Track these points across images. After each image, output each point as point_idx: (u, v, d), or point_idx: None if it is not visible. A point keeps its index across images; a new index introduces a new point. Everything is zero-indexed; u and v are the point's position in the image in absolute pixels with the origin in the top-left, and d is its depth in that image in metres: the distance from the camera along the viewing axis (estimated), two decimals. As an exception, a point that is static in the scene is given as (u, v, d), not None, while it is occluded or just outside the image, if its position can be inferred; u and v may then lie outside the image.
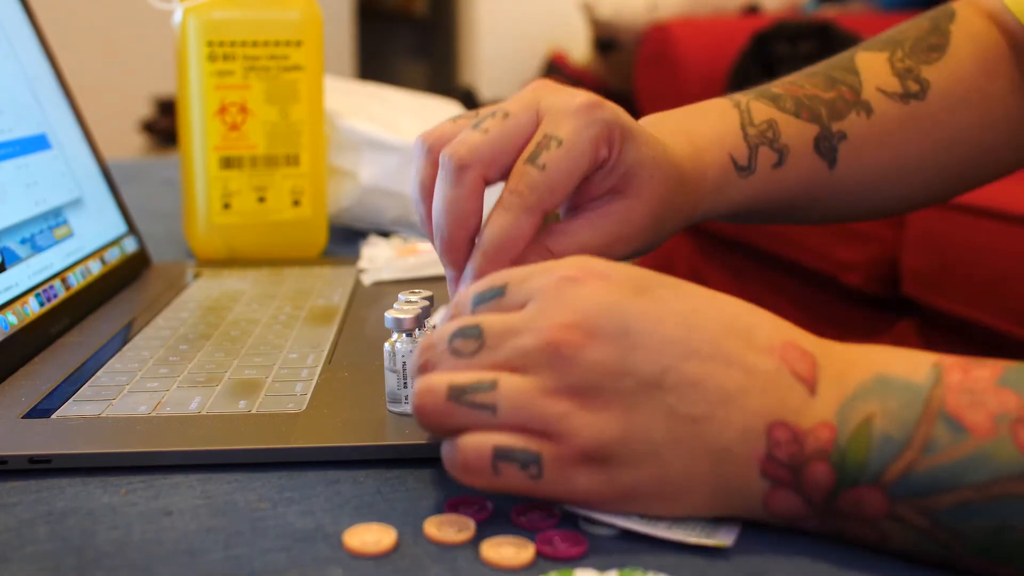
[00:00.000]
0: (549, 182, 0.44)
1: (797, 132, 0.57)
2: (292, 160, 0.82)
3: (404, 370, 0.47)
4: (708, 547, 0.37)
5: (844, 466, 0.36)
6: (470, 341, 0.38)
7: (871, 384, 0.37)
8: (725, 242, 2.24)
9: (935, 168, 0.61)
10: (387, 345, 0.47)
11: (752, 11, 2.81)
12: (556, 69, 3.38)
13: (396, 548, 0.37)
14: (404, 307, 0.48)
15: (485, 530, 0.39)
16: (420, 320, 0.47)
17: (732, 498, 0.38)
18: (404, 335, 0.47)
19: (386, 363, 0.47)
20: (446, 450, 0.38)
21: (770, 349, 0.38)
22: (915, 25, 0.62)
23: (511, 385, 0.37)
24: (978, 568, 0.35)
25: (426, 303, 0.48)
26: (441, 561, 0.37)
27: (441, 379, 0.38)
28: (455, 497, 0.41)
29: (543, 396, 0.37)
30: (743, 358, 0.37)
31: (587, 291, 0.38)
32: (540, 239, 0.47)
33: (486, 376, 0.37)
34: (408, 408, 0.47)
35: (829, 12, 2.69)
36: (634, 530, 0.38)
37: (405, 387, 0.47)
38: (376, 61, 4.41)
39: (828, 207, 0.60)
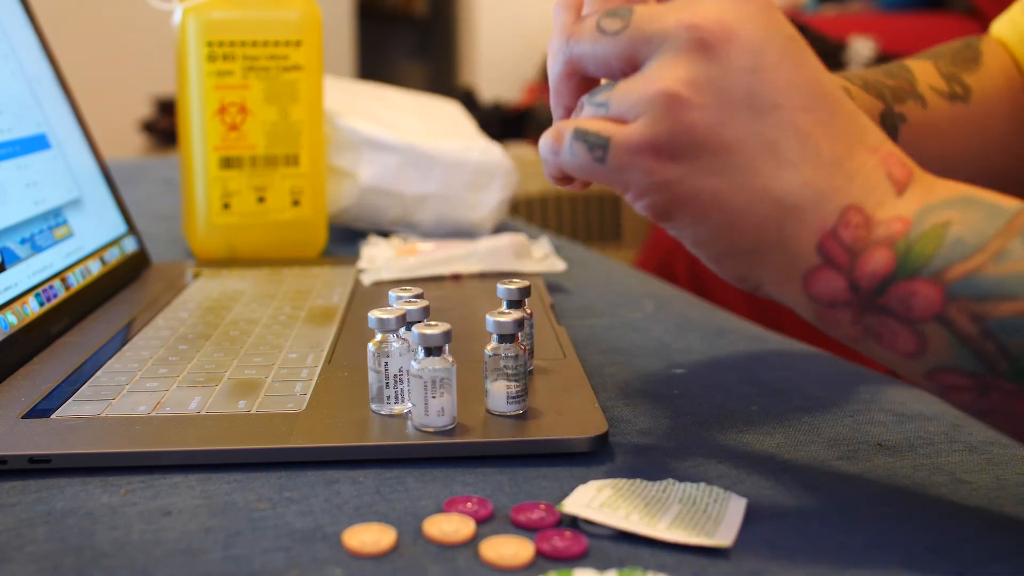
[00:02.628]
0: None
1: (866, 104, 0.58)
2: (292, 160, 0.82)
3: (387, 370, 0.47)
4: (708, 547, 0.37)
5: (908, 256, 0.35)
6: (616, 20, 0.39)
7: (959, 198, 0.36)
8: (725, 242, 2.23)
9: (975, 173, 0.63)
10: (371, 345, 0.47)
11: (752, 11, 2.80)
12: (556, 69, 3.37)
13: (395, 548, 0.37)
14: (390, 307, 0.48)
15: (485, 530, 0.39)
16: (403, 320, 0.47)
17: (777, 257, 0.37)
18: (389, 335, 0.47)
19: (369, 363, 0.47)
20: (542, 140, 0.40)
21: (875, 149, 0.38)
22: (948, 44, 0.65)
23: (626, 84, 0.38)
24: (1010, 400, 0.35)
25: (417, 303, 0.49)
26: (441, 561, 0.37)
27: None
28: (455, 497, 0.41)
29: (657, 81, 0.37)
30: (850, 141, 0.37)
31: (747, 7, 0.38)
32: None
33: (610, 84, 0.39)
34: (391, 409, 0.47)
35: (829, 12, 2.69)
36: (633, 532, 0.38)
37: (388, 387, 0.47)
38: (376, 61, 4.41)
39: None
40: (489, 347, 0.46)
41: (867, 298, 0.36)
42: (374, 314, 0.47)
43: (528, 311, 0.52)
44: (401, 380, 0.47)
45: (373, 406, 0.48)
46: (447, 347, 0.45)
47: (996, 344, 0.34)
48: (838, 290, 0.36)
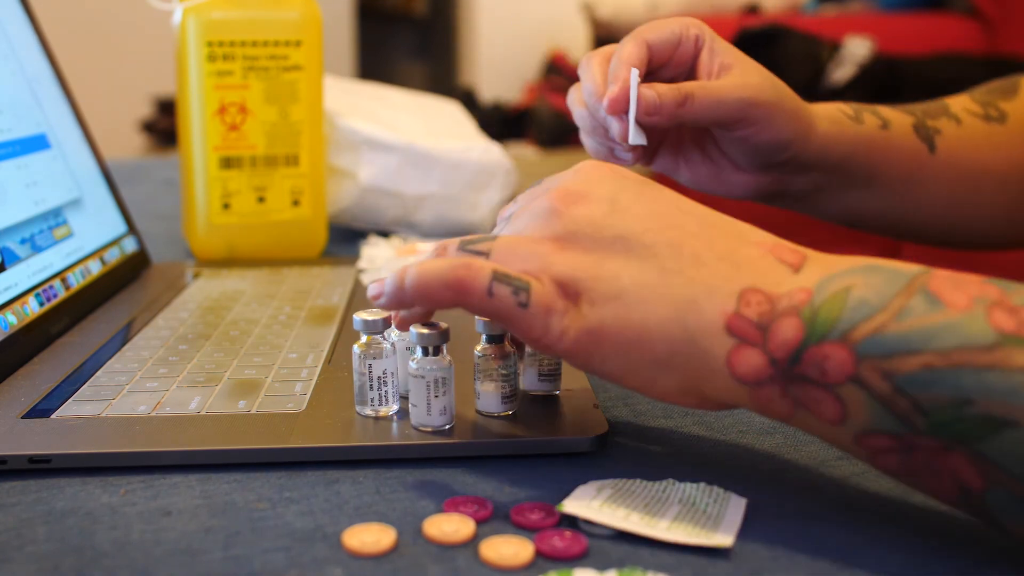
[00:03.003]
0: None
1: (896, 116, 0.62)
2: (292, 160, 0.82)
3: (371, 372, 0.47)
4: (708, 547, 0.37)
5: (815, 322, 0.36)
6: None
7: (859, 267, 0.37)
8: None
9: (1018, 193, 0.64)
10: (356, 347, 0.47)
11: (752, 11, 2.81)
12: (556, 69, 3.38)
13: (395, 548, 0.37)
14: (375, 309, 0.47)
15: (485, 530, 0.39)
16: (388, 322, 0.47)
17: (694, 354, 0.38)
18: (373, 337, 0.47)
19: (354, 365, 0.47)
20: (440, 267, 0.40)
21: (760, 243, 0.40)
22: (989, 83, 0.68)
23: (506, 236, 0.42)
24: (932, 458, 0.35)
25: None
26: (440, 561, 0.37)
27: (453, 240, 0.43)
28: (455, 497, 0.41)
29: (530, 241, 0.41)
30: (728, 242, 0.40)
31: (598, 170, 0.43)
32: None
33: (489, 235, 0.43)
34: (376, 411, 0.47)
35: (829, 12, 2.70)
36: (633, 532, 0.38)
37: (372, 389, 0.47)
38: (376, 61, 4.41)
39: (928, 195, 0.63)
40: (478, 348, 0.46)
41: (786, 369, 0.37)
42: (359, 316, 0.46)
43: None
44: (385, 382, 0.47)
45: (357, 408, 0.48)
46: (445, 347, 0.45)
47: (909, 400, 0.34)
48: (759, 367, 0.37)
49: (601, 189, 0.41)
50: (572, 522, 0.39)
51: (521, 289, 0.39)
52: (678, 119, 0.55)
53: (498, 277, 0.40)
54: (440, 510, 0.40)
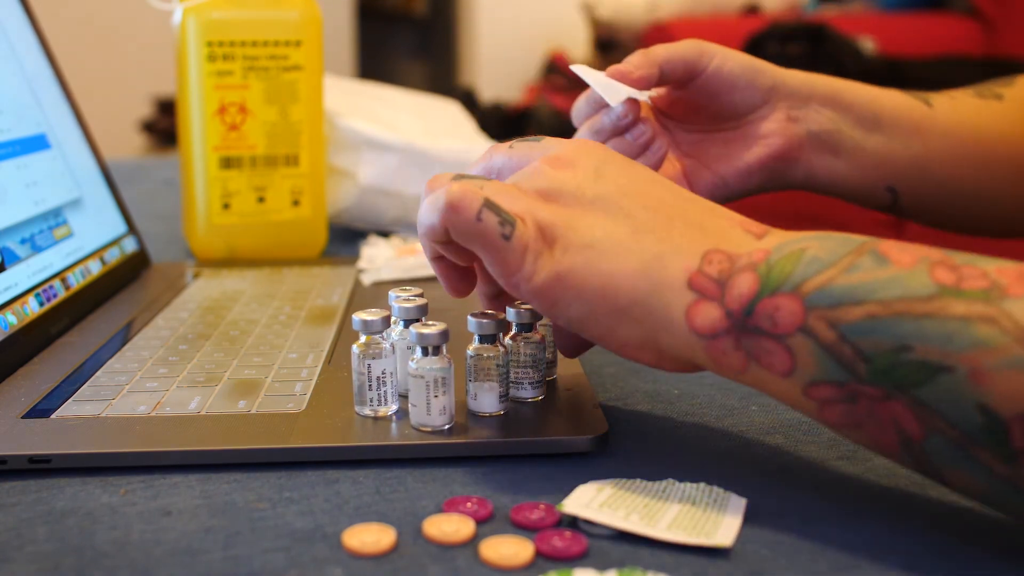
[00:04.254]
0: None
1: (881, 89, 0.64)
2: (292, 160, 0.82)
3: (370, 372, 0.46)
4: (708, 547, 0.37)
5: (769, 276, 0.38)
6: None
7: (815, 234, 0.40)
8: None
9: (1018, 164, 0.64)
10: (355, 347, 0.47)
11: (752, 11, 2.81)
12: (556, 69, 3.38)
13: (395, 548, 0.37)
14: (373, 309, 0.47)
15: (484, 530, 0.39)
16: (387, 322, 0.47)
17: (656, 306, 0.40)
18: (372, 337, 0.46)
19: (353, 365, 0.47)
20: (433, 194, 0.43)
21: (729, 217, 0.43)
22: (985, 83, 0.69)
23: (496, 181, 0.44)
24: (874, 407, 0.36)
25: (419, 301, 0.49)
26: (440, 561, 0.37)
27: (448, 174, 0.45)
28: (455, 497, 0.41)
29: (517, 190, 0.43)
30: (700, 214, 0.42)
31: (584, 144, 0.45)
32: None
33: (484, 177, 0.45)
34: (375, 411, 0.47)
35: (829, 12, 2.69)
36: (633, 532, 0.38)
37: (371, 389, 0.47)
38: (376, 61, 4.42)
39: (935, 151, 0.63)
40: (471, 348, 0.47)
41: (740, 321, 0.39)
42: (358, 316, 0.46)
43: None
44: (384, 382, 0.47)
45: (356, 408, 0.47)
46: (445, 347, 0.45)
47: (852, 348, 0.36)
48: (716, 319, 0.39)
49: (588, 160, 0.44)
50: (572, 522, 0.39)
51: (507, 222, 0.41)
52: (659, 65, 0.59)
53: (489, 205, 0.41)
54: (440, 510, 0.40)
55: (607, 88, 0.58)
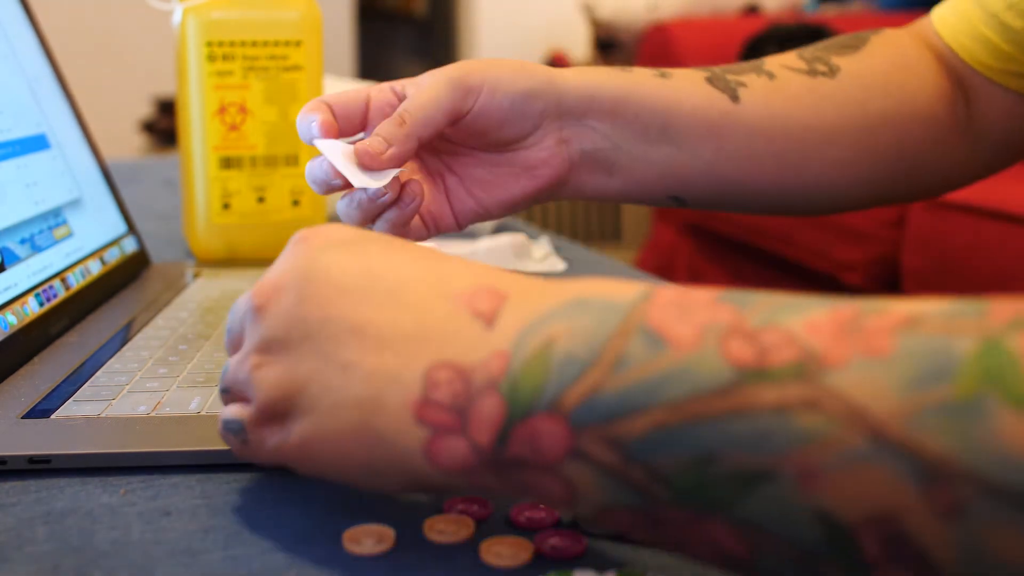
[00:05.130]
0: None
1: (684, 71, 0.58)
2: (291, 160, 0.82)
3: None
4: (707, 547, 0.37)
5: (516, 394, 0.31)
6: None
7: (563, 307, 0.32)
8: (725, 242, 2.24)
9: (860, 151, 0.60)
10: None
11: (752, 11, 2.81)
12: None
13: (395, 548, 0.37)
14: None
15: (484, 530, 0.39)
16: None
17: (393, 456, 0.34)
18: None
19: None
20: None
21: (457, 295, 0.34)
22: (835, 37, 0.64)
23: (232, 360, 0.39)
24: (687, 529, 0.29)
25: None
26: (440, 561, 0.37)
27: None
28: (455, 497, 0.41)
29: (244, 360, 0.38)
30: (420, 303, 0.35)
31: (295, 250, 0.39)
32: None
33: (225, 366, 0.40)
34: None
35: (829, 12, 2.69)
36: (633, 530, 0.38)
37: None
38: (376, 61, 4.41)
39: (744, 149, 0.58)
40: None
41: (493, 456, 0.32)
42: None
43: None
44: None
45: None
46: None
47: (644, 469, 0.29)
48: (464, 455, 0.32)
49: (291, 276, 0.37)
50: (572, 522, 0.39)
51: (238, 431, 0.38)
52: (417, 136, 0.51)
53: (223, 425, 0.39)
54: (440, 510, 0.40)
55: (354, 171, 0.50)
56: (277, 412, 0.37)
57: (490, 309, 0.33)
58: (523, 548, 0.37)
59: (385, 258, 0.37)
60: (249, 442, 0.38)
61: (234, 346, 0.40)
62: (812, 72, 0.59)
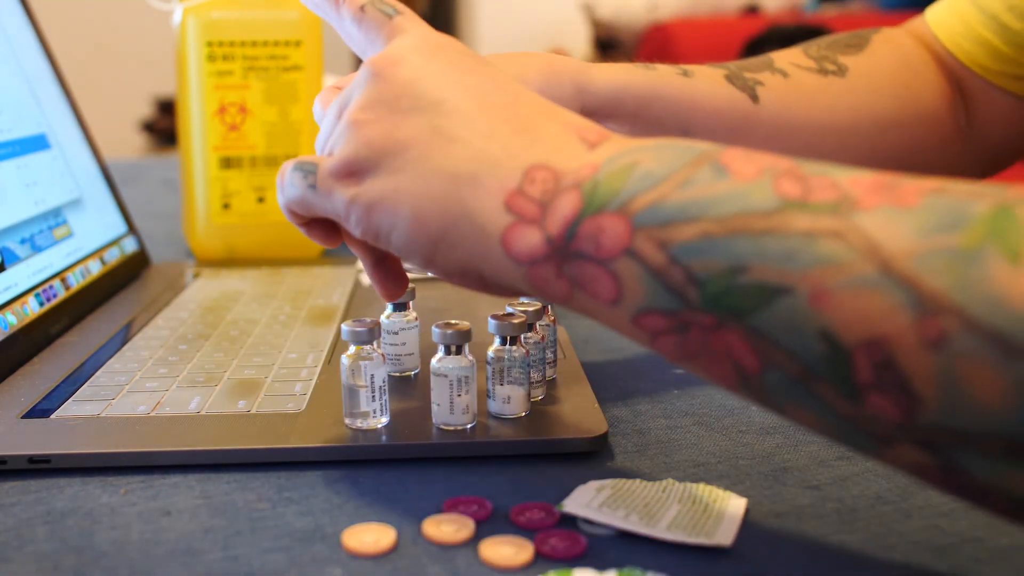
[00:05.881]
0: None
1: (703, 68, 0.58)
2: (292, 160, 0.82)
3: (372, 383, 0.45)
4: (708, 547, 0.37)
5: (594, 194, 0.34)
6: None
7: (654, 144, 0.36)
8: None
9: (871, 152, 0.60)
10: (344, 358, 0.46)
11: (752, 11, 2.81)
12: (556, 69, 3.37)
13: (395, 548, 0.37)
14: (362, 319, 0.46)
15: (484, 530, 0.39)
16: (376, 333, 0.45)
17: (470, 230, 0.37)
18: (362, 348, 0.45)
19: (342, 377, 0.46)
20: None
21: (569, 123, 0.38)
22: (836, 35, 0.64)
23: (328, 122, 0.42)
24: (707, 337, 0.33)
25: (407, 313, 0.49)
26: (440, 561, 0.37)
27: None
28: (455, 497, 0.41)
29: (346, 115, 0.40)
30: (536, 117, 0.38)
31: (416, 30, 0.41)
32: None
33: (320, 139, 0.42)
34: (364, 424, 0.46)
35: (829, 12, 2.70)
36: (633, 532, 0.38)
37: (373, 402, 0.45)
38: (376, 61, 4.41)
39: (761, 149, 0.58)
40: (491, 349, 0.46)
41: (562, 246, 0.35)
42: (347, 327, 0.45)
43: (552, 318, 0.52)
44: (375, 397, 0.46)
45: (346, 420, 0.46)
46: (467, 346, 0.45)
47: (683, 270, 0.32)
48: (534, 244, 0.35)
49: (415, 51, 0.40)
50: (572, 522, 0.39)
51: (309, 172, 0.40)
52: None
53: (295, 166, 0.41)
54: (440, 510, 0.40)
55: None
56: (360, 168, 0.39)
57: (595, 139, 0.37)
58: (523, 548, 0.37)
59: (501, 75, 0.40)
60: (316, 187, 0.40)
61: (339, 113, 0.41)
62: (822, 71, 0.60)
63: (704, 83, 0.57)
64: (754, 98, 0.58)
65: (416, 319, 0.53)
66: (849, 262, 0.29)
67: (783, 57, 0.61)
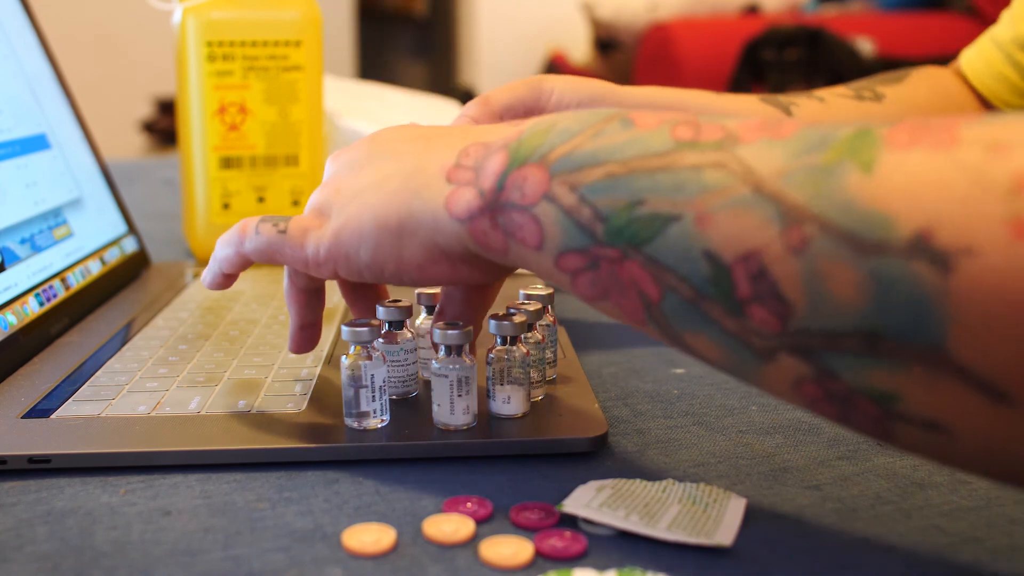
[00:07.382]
0: None
1: (737, 96, 0.63)
2: (291, 160, 0.82)
3: (373, 383, 0.45)
4: (708, 547, 0.37)
5: (519, 150, 0.39)
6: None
7: (574, 113, 0.40)
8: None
9: None
10: (344, 358, 0.46)
11: (751, 11, 2.81)
12: (556, 69, 3.38)
13: (395, 548, 0.37)
14: (361, 320, 0.46)
15: (484, 530, 0.39)
16: (377, 333, 0.45)
17: (421, 211, 0.41)
18: (362, 348, 0.45)
19: (342, 377, 0.46)
20: (224, 234, 0.48)
21: (505, 124, 0.43)
22: (879, 74, 0.69)
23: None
24: (615, 270, 0.36)
25: (403, 311, 0.49)
26: (440, 561, 0.37)
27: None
28: (455, 497, 0.41)
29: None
30: (472, 128, 0.43)
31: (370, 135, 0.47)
32: None
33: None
34: (364, 424, 0.46)
35: (828, 13, 2.70)
36: (633, 531, 0.38)
37: (373, 402, 0.45)
38: (376, 61, 4.42)
39: None
40: (492, 350, 0.46)
41: (492, 198, 0.39)
42: (348, 327, 0.45)
43: (552, 318, 0.52)
44: (375, 397, 0.46)
45: (347, 420, 0.46)
46: (467, 347, 0.45)
47: (591, 208, 0.36)
48: (470, 200, 0.40)
49: (370, 137, 0.46)
50: (572, 522, 0.39)
51: (281, 220, 0.45)
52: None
53: (263, 219, 0.46)
54: (440, 510, 0.40)
55: None
56: (327, 206, 0.44)
57: (522, 120, 0.42)
58: (523, 548, 0.37)
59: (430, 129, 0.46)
60: (288, 233, 0.44)
61: None
62: (859, 98, 0.64)
63: (736, 100, 0.61)
64: (787, 113, 0.61)
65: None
66: (728, 186, 0.33)
67: (825, 90, 0.65)
